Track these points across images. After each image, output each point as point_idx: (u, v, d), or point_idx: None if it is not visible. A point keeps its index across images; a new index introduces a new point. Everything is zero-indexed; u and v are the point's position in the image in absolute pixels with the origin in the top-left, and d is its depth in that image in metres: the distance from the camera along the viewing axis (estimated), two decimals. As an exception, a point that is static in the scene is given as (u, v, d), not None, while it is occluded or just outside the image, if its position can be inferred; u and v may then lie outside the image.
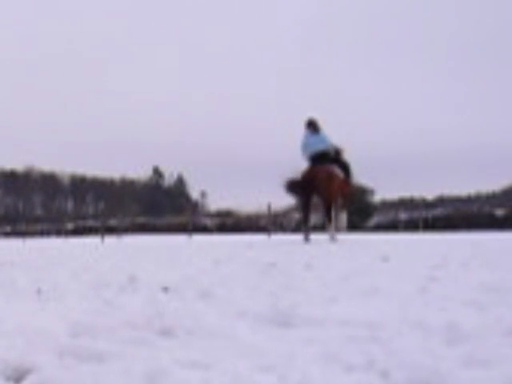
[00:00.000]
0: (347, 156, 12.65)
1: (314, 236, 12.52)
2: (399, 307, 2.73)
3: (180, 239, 20.85)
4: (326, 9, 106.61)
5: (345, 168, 12.35)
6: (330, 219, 11.76)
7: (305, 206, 12.18)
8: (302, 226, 12.59)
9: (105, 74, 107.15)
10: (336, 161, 12.20)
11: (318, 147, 12.07)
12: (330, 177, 11.78)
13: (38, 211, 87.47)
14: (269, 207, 25.35)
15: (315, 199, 12.15)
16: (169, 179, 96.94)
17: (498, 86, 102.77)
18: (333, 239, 11.76)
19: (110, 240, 23.69)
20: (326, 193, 11.68)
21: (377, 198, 40.64)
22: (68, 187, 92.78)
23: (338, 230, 12.14)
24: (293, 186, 12.05)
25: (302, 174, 11.96)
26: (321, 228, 13.67)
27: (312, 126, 12.37)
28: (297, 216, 32.37)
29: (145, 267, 5.68)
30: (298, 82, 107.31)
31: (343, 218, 12.37)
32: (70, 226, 42.30)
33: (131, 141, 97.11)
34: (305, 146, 12.18)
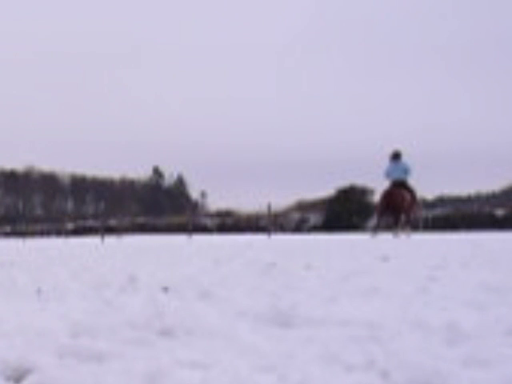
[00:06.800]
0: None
1: (313, 236, 12.63)
2: (399, 307, 2.73)
3: (180, 239, 20.83)
4: (325, 9, 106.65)
5: (412, 193, 16.90)
6: (397, 225, 16.62)
7: (380, 215, 17.39)
8: (374, 227, 17.65)
9: (105, 74, 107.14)
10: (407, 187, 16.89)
11: (400, 176, 16.67)
12: (403, 199, 16.49)
13: (38, 211, 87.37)
14: (269, 207, 25.33)
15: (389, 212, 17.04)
16: (169, 179, 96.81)
17: (498, 85, 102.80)
18: (397, 237, 15.77)
19: (110, 240, 23.68)
20: (398, 210, 16.56)
21: (377, 198, 40.65)
22: (68, 187, 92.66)
23: (407, 236, 16.24)
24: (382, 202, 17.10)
25: (384, 194, 16.85)
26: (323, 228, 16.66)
27: (396, 157, 16.66)
28: (296, 216, 32.36)
29: (145, 267, 5.68)
30: (297, 83, 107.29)
31: (408, 229, 16.88)
32: (70, 226, 42.23)
33: (131, 141, 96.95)
34: (387, 174, 16.73)
